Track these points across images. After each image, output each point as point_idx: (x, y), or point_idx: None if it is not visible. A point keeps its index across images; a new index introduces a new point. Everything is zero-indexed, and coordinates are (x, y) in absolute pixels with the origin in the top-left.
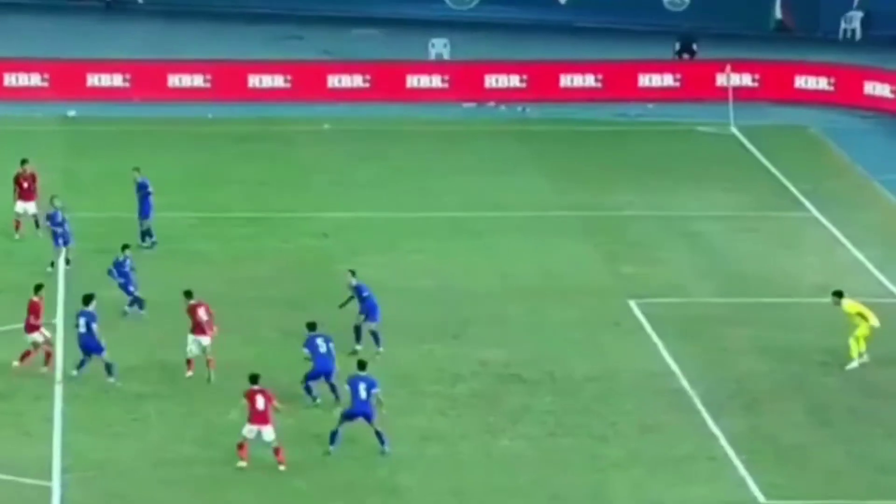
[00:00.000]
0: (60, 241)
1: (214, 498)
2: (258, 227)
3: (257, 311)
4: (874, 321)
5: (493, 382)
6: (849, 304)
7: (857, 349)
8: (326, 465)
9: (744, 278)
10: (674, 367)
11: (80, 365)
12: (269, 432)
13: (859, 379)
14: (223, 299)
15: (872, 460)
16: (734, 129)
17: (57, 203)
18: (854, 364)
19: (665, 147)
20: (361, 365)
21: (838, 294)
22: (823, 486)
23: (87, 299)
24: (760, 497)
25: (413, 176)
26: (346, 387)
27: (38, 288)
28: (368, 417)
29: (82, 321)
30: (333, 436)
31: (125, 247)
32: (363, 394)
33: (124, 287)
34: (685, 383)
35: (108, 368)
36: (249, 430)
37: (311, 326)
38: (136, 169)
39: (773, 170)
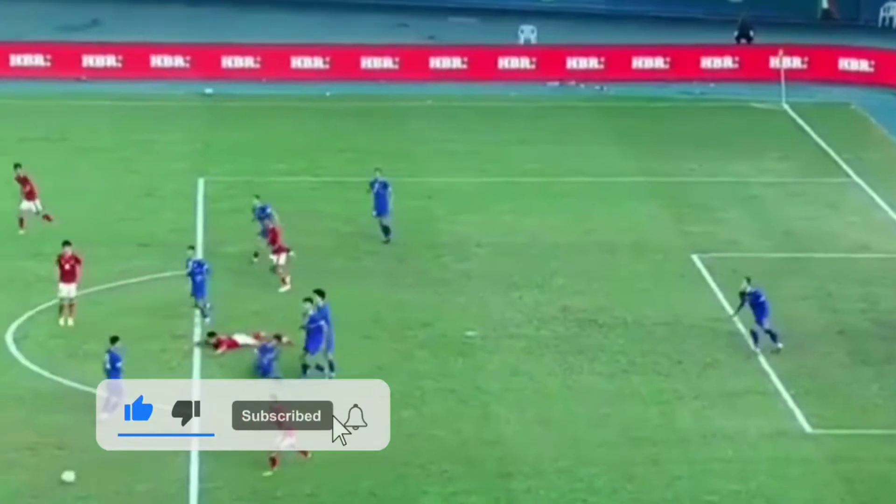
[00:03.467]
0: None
1: None
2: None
3: (365, 262)
4: None
5: (573, 326)
6: None
7: None
8: (427, 398)
9: (793, 236)
10: (731, 312)
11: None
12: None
13: (893, 325)
14: (338, 251)
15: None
16: (785, 106)
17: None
18: None
19: (724, 121)
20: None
21: None
22: (861, 417)
23: (114, 340)
24: (807, 427)
25: (504, 146)
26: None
27: (65, 243)
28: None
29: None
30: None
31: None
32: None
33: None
34: (741, 327)
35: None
36: None
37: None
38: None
39: (819, 141)
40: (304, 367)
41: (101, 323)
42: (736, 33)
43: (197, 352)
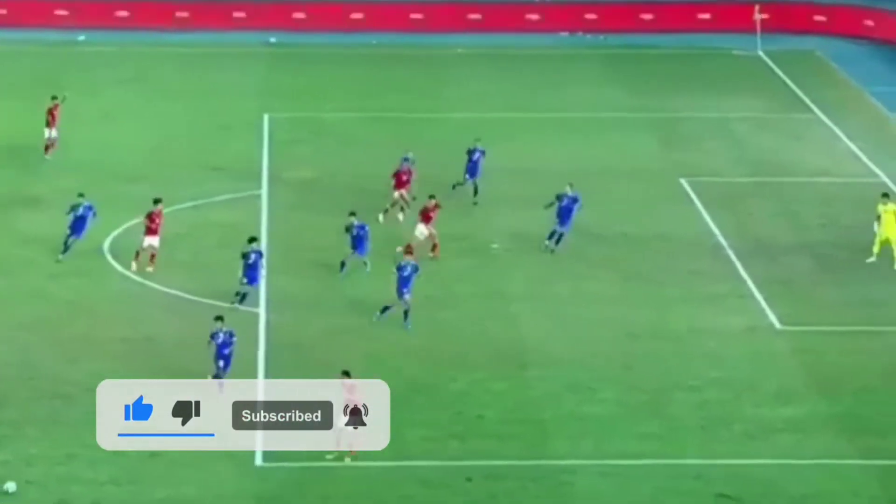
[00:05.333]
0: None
1: None
2: (407, 123)
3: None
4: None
5: (580, 239)
6: (890, 205)
7: (879, 242)
8: (459, 301)
9: (765, 163)
10: (714, 229)
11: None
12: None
13: (852, 238)
14: (378, 176)
15: (864, 298)
16: (760, 53)
17: (410, 155)
18: (873, 258)
19: (708, 67)
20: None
21: (885, 195)
22: (822, 316)
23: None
24: (777, 324)
25: (523, 87)
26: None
27: (156, 201)
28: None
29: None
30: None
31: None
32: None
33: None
34: (723, 240)
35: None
36: None
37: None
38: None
39: (789, 83)
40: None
41: (183, 236)
42: None
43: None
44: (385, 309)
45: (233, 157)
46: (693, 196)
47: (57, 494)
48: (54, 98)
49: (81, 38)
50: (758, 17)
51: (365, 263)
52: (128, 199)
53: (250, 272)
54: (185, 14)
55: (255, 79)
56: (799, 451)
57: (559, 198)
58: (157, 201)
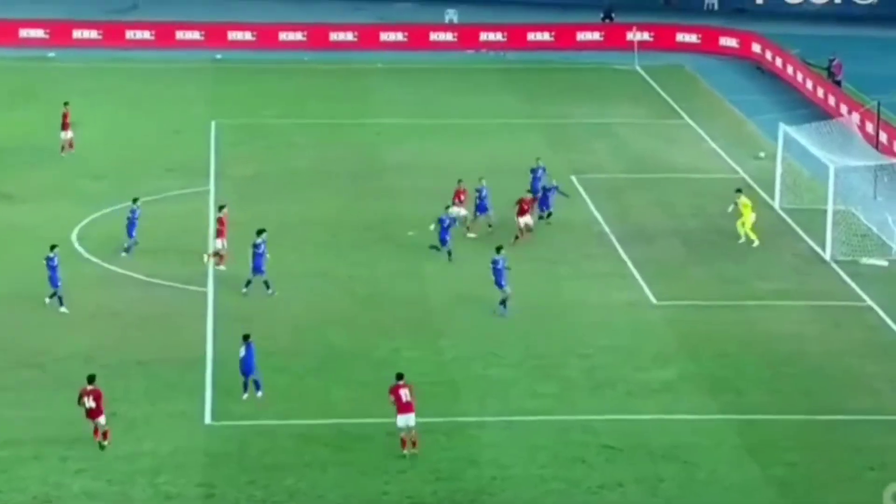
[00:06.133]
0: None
1: None
2: (334, 128)
3: (331, 180)
4: (753, 215)
5: (488, 227)
6: (744, 199)
7: (743, 232)
8: (380, 280)
9: (643, 162)
10: (599, 217)
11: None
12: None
13: (717, 226)
14: (309, 172)
15: (724, 277)
16: (638, 68)
17: (483, 182)
18: (742, 240)
19: (593, 78)
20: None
21: (739, 190)
22: (692, 292)
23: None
24: (653, 299)
25: (434, 97)
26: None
27: (221, 207)
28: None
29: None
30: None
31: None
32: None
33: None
34: (606, 228)
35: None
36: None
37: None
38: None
39: (662, 93)
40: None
41: (141, 227)
42: (602, 15)
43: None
44: (503, 302)
45: (184, 158)
46: (581, 190)
47: (31, 451)
48: (66, 104)
49: (52, 55)
50: (633, 36)
51: (266, 284)
52: (93, 195)
53: (257, 260)
54: (145, 34)
55: (203, 90)
56: (672, 407)
57: (478, 191)
58: (221, 207)
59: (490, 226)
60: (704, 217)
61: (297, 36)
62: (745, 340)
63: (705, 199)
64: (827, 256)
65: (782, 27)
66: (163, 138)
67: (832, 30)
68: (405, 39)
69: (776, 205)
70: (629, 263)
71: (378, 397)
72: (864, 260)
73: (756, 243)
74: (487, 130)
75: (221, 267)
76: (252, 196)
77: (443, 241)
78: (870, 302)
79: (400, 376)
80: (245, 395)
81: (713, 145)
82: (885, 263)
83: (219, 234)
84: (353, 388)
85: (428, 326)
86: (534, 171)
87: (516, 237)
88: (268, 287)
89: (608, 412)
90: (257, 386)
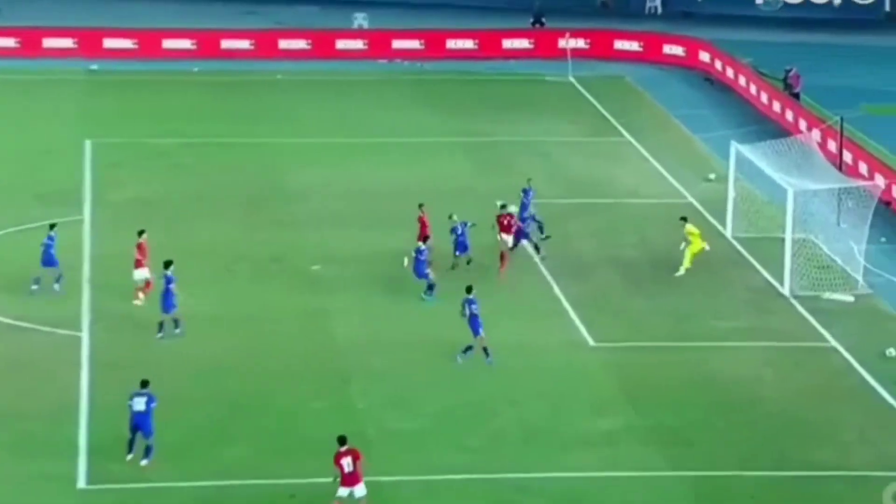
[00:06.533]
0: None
1: None
2: (227, 147)
3: (225, 207)
4: (705, 244)
5: (398, 259)
6: (690, 227)
7: (686, 264)
8: (282, 321)
9: (578, 184)
10: (530, 248)
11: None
12: (360, 489)
13: (660, 257)
14: (199, 198)
15: (670, 313)
16: (572, 79)
17: (455, 217)
18: (681, 272)
19: (522, 92)
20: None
21: (683, 218)
22: (635, 331)
23: (144, 384)
24: (590, 341)
25: (343, 112)
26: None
27: (140, 233)
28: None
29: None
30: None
31: (52, 225)
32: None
33: None
34: (538, 259)
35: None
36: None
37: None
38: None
39: (600, 107)
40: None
41: (5, 261)
42: (531, 20)
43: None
44: (467, 349)
45: (55, 183)
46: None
47: None
48: None
49: None
50: (566, 44)
51: (175, 323)
52: None
53: (166, 298)
54: (9, 42)
55: (77, 105)
56: (615, 462)
57: (453, 230)
58: (140, 232)
59: (469, 262)
60: (648, 247)
61: (185, 44)
62: (696, 386)
63: (649, 227)
64: (785, 291)
65: (733, 33)
66: (30, 160)
67: (789, 36)
68: (308, 47)
69: (728, 233)
70: (563, 300)
71: (280, 454)
72: (828, 295)
73: (682, 272)
74: (405, 150)
75: (139, 302)
76: (133, 225)
77: (422, 275)
78: (833, 342)
79: (342, 441)
80: (129, 456)
81: (657, 166)
82: (850, 299)
83: (137, 264)
84: (251, 444)
85: (336, 372)
86: (526, 192)
87: (500, 263)
88: (176, 326)
89: (543, 468)
90: (147, 452)
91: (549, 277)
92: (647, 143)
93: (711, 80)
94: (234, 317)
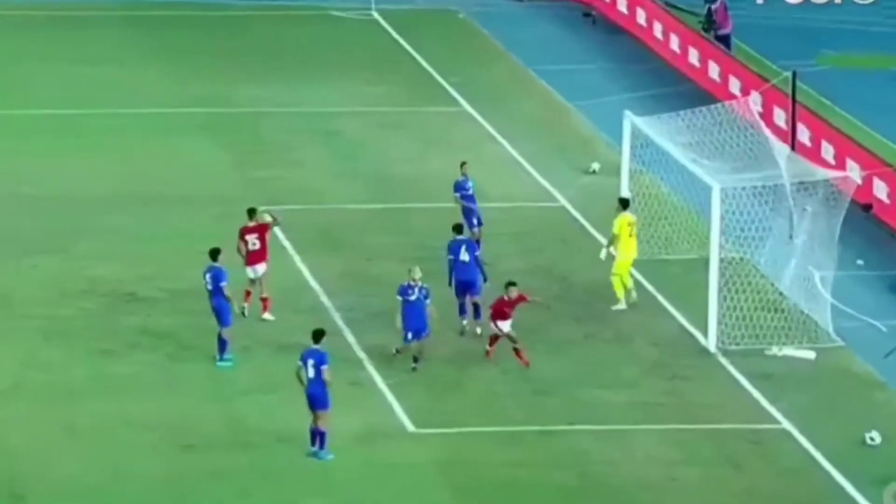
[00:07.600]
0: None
1: None
2: None
3: None
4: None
5: (105, 302)
6: (627, 217)
7: (619, 286)
8: None
9: (390, 181)
10: (312, 282)
11: None
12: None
13: (519, 289)
14: None
15: (531, 381)
16: (375, 15)
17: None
18: (622, 306)
19: (298, 33)
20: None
21: (623, 202)
22: (475, 411)
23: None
24: (409, 425)
25: (4, 65)
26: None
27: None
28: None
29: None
30: None
31: None
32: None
33: None
34: (325, 300)
35: None
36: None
37: None
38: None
39: (420, 59)
40: None
41: None
42: None
43: None
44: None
45: None
46: (278, 232)
47: None
48: None
49: None
50: None
51: None
52: None
53: None
54: None
55: None
56: None
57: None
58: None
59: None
60: (497, 277)
61: None
62: (574, 493)
63: (499, 248)
64: (710, 344)
65: None
66: None
67: None
68: None
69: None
70: (366, 362)
71: None
72: (776, 350)
73: (620, 306)
74: (110, 129)
75: None
76: None
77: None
78: (785, 423)
79: None
80: None
81: (512, 151)
82: (811, 356)
83: None
84: None
85: (1, 482)
86: (460, 185)
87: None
88: None
89: None
90: None
91: (343, 326)
92: (495, 115)
93: (593, 17)
94: None
